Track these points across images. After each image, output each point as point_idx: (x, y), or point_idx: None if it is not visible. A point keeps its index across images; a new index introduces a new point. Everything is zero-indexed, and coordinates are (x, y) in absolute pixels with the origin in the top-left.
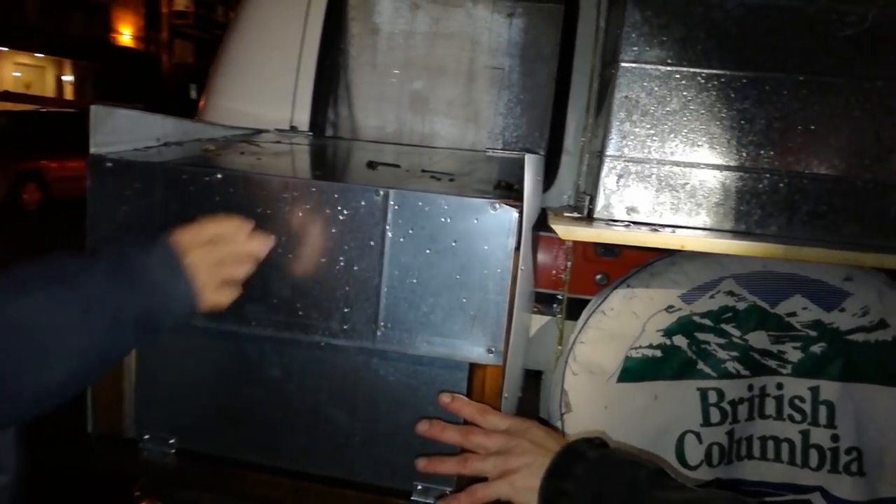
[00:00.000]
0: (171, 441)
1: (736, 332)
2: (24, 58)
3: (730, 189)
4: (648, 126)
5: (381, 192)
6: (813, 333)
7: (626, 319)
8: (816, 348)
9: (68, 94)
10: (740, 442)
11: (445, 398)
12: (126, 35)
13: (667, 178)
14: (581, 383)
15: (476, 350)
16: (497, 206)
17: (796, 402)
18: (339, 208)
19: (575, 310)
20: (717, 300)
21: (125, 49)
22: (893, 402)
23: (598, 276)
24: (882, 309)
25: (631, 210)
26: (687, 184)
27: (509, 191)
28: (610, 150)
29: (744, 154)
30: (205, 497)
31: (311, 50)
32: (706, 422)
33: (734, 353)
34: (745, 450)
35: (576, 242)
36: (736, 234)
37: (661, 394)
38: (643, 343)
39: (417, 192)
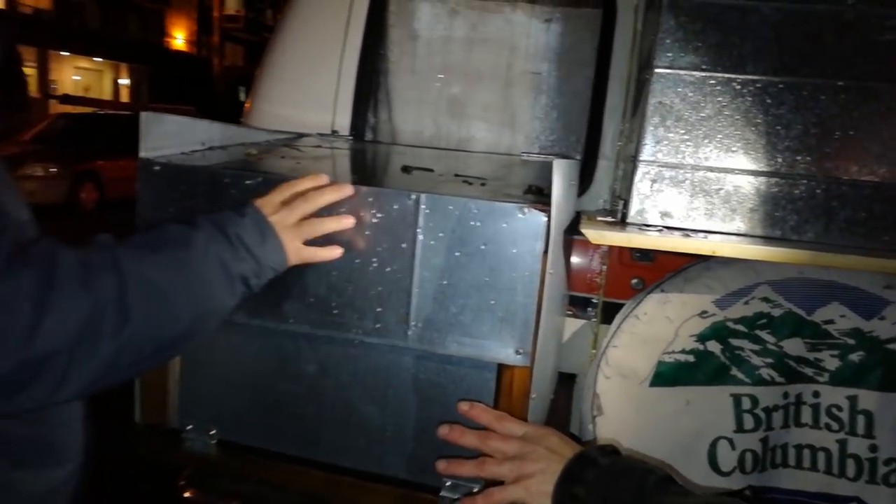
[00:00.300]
0: (212, 432)
1: (771, 339)
2: (83, 62)
3: (765, 194)
4: (682, 131)
5: (413, 196)
6: (851, 342)
7: (660, 324)
8: (855, 357)
9: (124, 96)
10: (775, 450)
11: (464, 406)
12: (179, 39)
13: (701, 183)
14: (613, 387)
15: (504, 351)
16: (526, 210)
17: (833, 410)
18: (373, 211)
19: (610, 314)
20: (751, 306)
21: (178, 53)
22: None
23: (634, 281)
24: None
25: (664, 215)
26: (721, 189)
27: (539, 195)
28: (644, 155)
29: (779, 159)
30: (245, 489)
31: (352, 56)
32: (739, 428)
33: (769, 360)
34: (780, 458)
35: (611, 246)
36: (771, 240)
37: (693, 399)
38: (676, 348)
39: (448, 196)
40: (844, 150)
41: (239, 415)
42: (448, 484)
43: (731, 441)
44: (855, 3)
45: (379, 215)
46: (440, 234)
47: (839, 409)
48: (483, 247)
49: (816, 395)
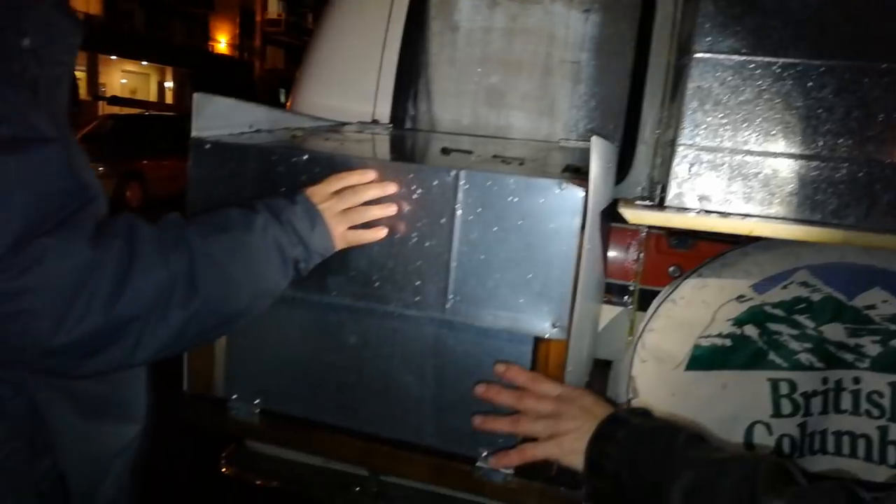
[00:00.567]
0: (256, 402)
1: (810, 324)
2: (130, 65)
3: (805, 178)
4: (721, 115)
5: (453, 173)
6: (893, 327)
7: (696, 308)
8: None
9: (169, 98)
10: (813, 436)
11: (500, 367)
12: (222, 43)
13: (739, 167)
14: (649, 370)
15: (541, 324)
16: (563, 186)
17: (874, 397)
18: (414, 187)
19: (647, 301)
20: (790, 291)
21: (221, 56)
22: None
23: (671, 268)
24: None
25: (703, 198)
26: (760, 173)
27: (577, 173)
28: (682, 140)
29: (820, 143)
30: (283, 469)
31: (393, 47)
32: (777, 413)
33: (807, 345)
34: (819, 444)
35: (648, 234)
36: (811, 223)
37: (729, 383)
38: (713, 332)
39: (487, 172)
40: (887, 134)
41: (282, 385)
42: (484, 454)
43: (767, 426)
44: None
45: (419, 192)
46: (479, 210)
47: (880, 395)
48: (521, 222)
49: (857, 381)
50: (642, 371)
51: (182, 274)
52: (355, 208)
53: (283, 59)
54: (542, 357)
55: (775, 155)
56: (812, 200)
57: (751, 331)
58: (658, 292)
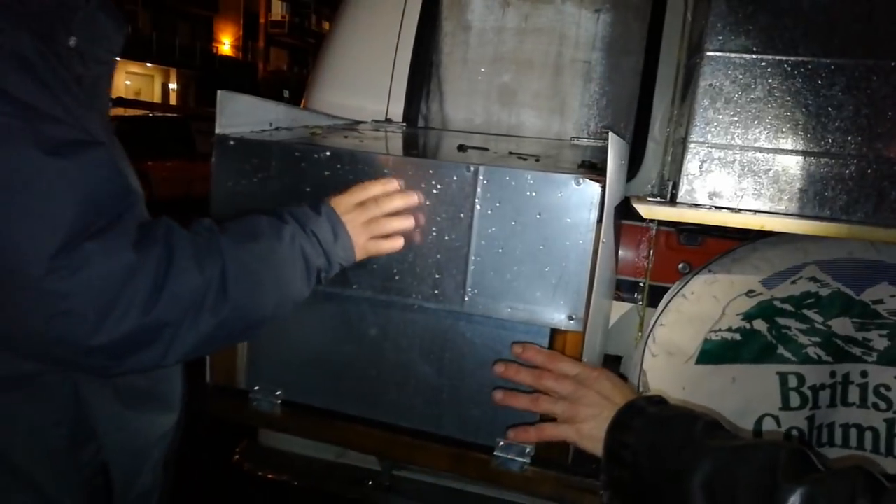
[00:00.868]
0: (278, 393)
1: (818, 318)
2: (135, 67)
3: (814, 175)
4: (732, 113)
5: (472, 168)
6: None
7: (707, 303)
8: None
9: (173, 100)
10: (821, 428)
11: (518, 348)
12: (226, 45)
13: (749, 163)
14: (659, 364)
15: (557, 317)
16: (581, 180)
17: (881, 390)
18: (434, 183)
19: (656, 297)
20: (799, 286)
21: (225, 58)
22: None
23: (681, 265)
24: None
25: (713, 195)
26: (770, 169)
27: (593, 169)
28: (693, 137)
29: (830, 140)
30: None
31: (406, 47)
32: (785, 406)
33: (816, 339)
34: (827, 437)
35: (658, 231)
36: (820, 219)
37: (739, 376)
38: (723, 326)
39: (505, 167)
40: None
41: (303, 376)
42: (501, 444)
43: (776, 418)
44: None
45: (439, 187)
46: (497, 204)
47: (887, 388)
48: (538, 216)
49: (864, 374)
50: (653, 365)
51: (215, 280)
52: (377, 220)
53: (286, 61)
54: (559, 349)
55: (785, 152)
56: (821, 197)
57: (760, 325)
58: (667, 288)
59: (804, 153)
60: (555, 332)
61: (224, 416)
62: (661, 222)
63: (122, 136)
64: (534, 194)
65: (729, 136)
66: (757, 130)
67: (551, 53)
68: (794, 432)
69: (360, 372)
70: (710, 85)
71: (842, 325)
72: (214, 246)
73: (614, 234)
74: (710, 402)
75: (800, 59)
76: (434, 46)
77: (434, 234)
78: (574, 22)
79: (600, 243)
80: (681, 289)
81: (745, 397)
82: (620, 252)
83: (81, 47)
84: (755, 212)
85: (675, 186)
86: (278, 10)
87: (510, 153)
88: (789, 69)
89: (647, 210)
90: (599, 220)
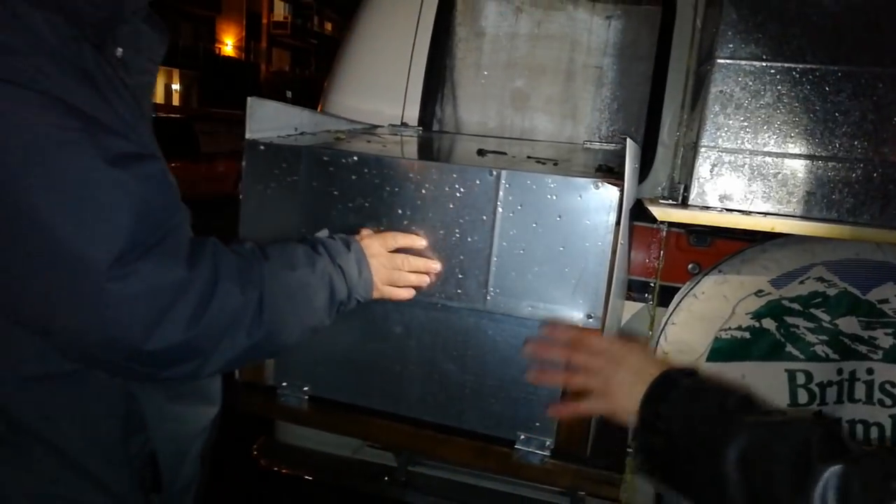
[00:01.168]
0: (305, 388)
1: (825, 317)
2: None
3: (822, 178)
4: (742, 118)
5: (495, 173)
6: None
7: (717, 302)
8: None
9: (175, 100)
10: None
11: (546, 328)
12: (228, 45)
13: (759, 167)
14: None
15: (576, 315)
16: (600, 184)
17: (887, 386)
18: (457, 186)
19: (667, 297)
20: (807, 286)
21: (227, 58)
22: None
23: (690, 266)
24: None
25: (724, 198)
26: (779, 173)
27: (610, 173)
28: (704, 141)
29: (837, 145)
30: (312, 459)
31: (422, 52)
32: (794, 402)
33: (823, 337)
34: None
35: (668, 233)
36: (827, 221)
37: (748, 374)
38: (732, 325)
39: (527, 172)
40: None
41: (329, 373)
42: (522, 437)
43: None
44: None
45: (462, 190)
46: (518, 207)
47: (893, 385)
48: (558, 218)
49: (870, 371)
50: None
51: (253, 303)
52: (399, 272)
53: (288, 62)
54: None
55: (794, 156)
56: (829, 199)
57: (769, 324)
58: (677, 288)
59: (812, 157)
60: None
61: (253, 412)
62: (670, 224)
63: None
64: (554, 197)
65: (739, 141)
66: (766, 135)
67: (563, 59)
68: None
69: (385, 368)
70: (721, 91)
71: (848, 324)
72: (256, 270)
73: (628, 235)
74: None
75: (808, 66)
76: (449, 52)
77: (457, 235)
78: (586, 28)
79: (619, 244)
80: (692, 288)
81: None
82: (631, 253)
83: (126, 57)
84: (765, 214)
85: (687, 189)
86: (280, 11)
87: (528, 157)
88: (798, 76)
89: (662, 212)
90: (617, 223)
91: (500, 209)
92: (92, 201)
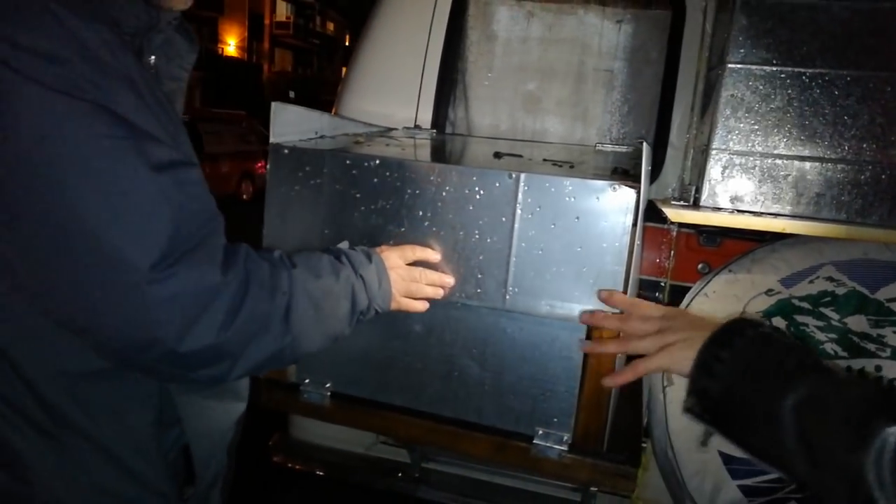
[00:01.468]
0: (327, 385)
1: (835, 316)
2: None
3: (831, 180)
4: (752, 122)
5: (514, 175)
6: None
7: (727, 301)
8: None
9: None
10: None
11: (604, 293)
12: (231, 46)
13: (769, 169)
14: None
15: None
16: (617, 186)
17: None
18: (477, 189)
19: (677, 296)
20: (816, 285)
21: (230, 59)
22: None
23: (700, 265)
24: None
25: (735, 199)
26: (789, 175)
27: (626, 175)
28: (716, 144)
29: (846, 147)
30: (326, 456)
31: (435, 56)
32: None
33: (832, 336)
34: None
35: (679, 233)
36: (837, 222)
37: None
38: None
39: (545, 174)
40: None
41: (351, 370)
42: (540, 432)
43: None
44: None
45: (482, 192)
46: (537, 209)
47: None
48: (576, 220)
49: (878, 369)
50: None
51: (282, 310)
52: (417, 284)
53: (291, 62)
54: None
55: (803, 158)
56: (838, 201)
57: (779, 322)
58: (687, 288)
59: (821, 160)
60: (592, 329)
61: (276, 409)
62: (681, 224)
63: None
64: (572, 199)
65: (750, 144)
66: (776, 138)
67: (574, 62)
68: None
69: (406, 366)
70: (732, 95)
71: (857, 323)
72: (285, 280)
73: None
74: None
75: (817, 70)
76: (461, 55)
77: (477, 236)
78: (596, 32)
79: (635, 245)
80: (702, 288)
81: None
82: (643, 253)
83: (159, 64)
84: (776, 215)
85: (698, 191)
86: (283, 12)
87: (544, 160)
88: (807, 80)
89: (674, 213)
90: (634, 224)
91: (518, 211)
92: (136, 207)
